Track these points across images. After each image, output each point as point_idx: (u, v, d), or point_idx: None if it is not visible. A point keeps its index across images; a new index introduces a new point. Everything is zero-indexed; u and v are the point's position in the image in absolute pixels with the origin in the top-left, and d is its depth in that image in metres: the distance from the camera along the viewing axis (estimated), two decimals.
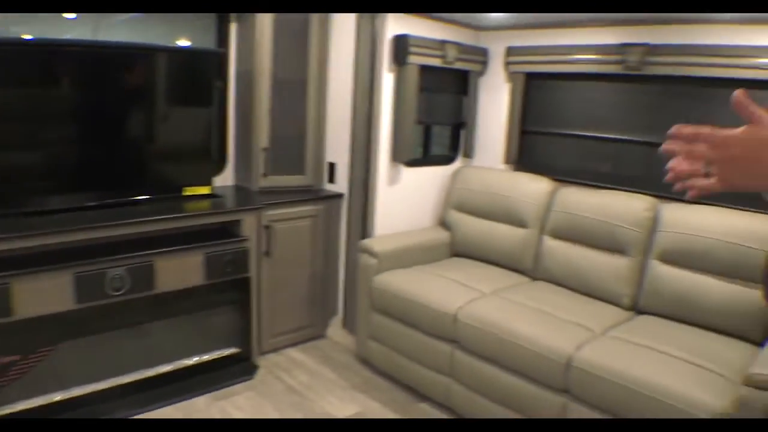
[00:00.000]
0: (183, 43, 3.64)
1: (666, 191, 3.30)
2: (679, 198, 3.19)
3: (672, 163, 0.95)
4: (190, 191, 3.35)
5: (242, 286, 3.33)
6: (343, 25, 3.63)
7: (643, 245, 3.05)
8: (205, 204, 3.32)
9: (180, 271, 3.02)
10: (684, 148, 0.94)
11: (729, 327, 2.71)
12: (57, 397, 2.79)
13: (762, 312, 2.60)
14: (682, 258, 2.89)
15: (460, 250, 3.82)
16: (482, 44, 4.03)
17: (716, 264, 2.76)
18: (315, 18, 3.59)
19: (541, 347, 2.63)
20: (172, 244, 3.00)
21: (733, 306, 2.70)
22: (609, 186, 3.44)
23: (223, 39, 3.65)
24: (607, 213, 3.17)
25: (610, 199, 3.23)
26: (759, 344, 2.57)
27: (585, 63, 3.52)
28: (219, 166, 3.72)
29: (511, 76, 3.93)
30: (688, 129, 0.93)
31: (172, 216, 3.01)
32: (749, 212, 2.83)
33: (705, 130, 0.93)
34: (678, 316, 2.88)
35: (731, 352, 2.54)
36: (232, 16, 3.62)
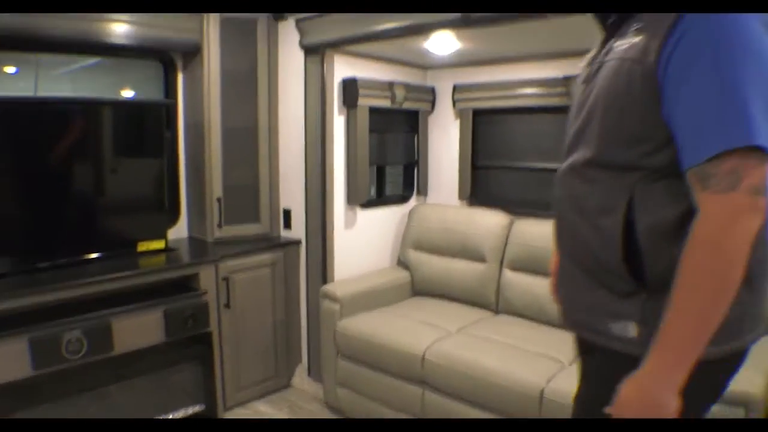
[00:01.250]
0: (128, 93, 3.59)
1: None
2: None
3: None
4: (144, 246, 3.28)
5: (203, 341, 3.25)
6: (291, 71, 3.63)
7: None
8: (160, 259, 3.24)
9: (139, 329, 2.93)
10: None
11: None
12: None
13: None
14: None
15: (421, 289, 3.82)
16: (429, 83, 4.10)
17: None
18: (263, 66, 3.59)
19: (512, 382, 2.63)
20: (129, 302, 2.90)
21: None
22: None
23: (170, 89, 3.62)
24: None
25: None
26: None
27: (530, 97, 3.60)
28: (172, 218, 3.66)
29: (460, 113, 3.99)
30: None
31: (127, 274, 2.92)
32: None
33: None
34: None
35: None
36: (179, 65, 3.59)
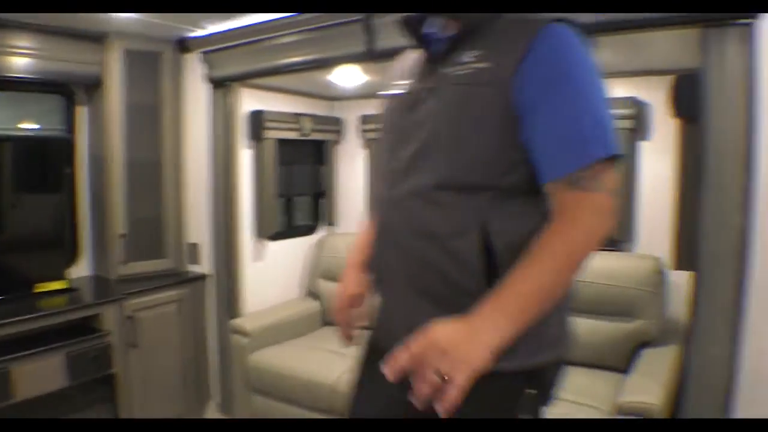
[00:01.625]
0: (30, 126, 3.47)
1: None
2: None
3: (416, 395, 1.12)
4: (43, 287, 3.15)
5: (109, 383, 3.14)
6: (197, 104, 3.60)
7: None
8: (60, 300, 3.12)
9: (40, 375, 2.81)
10: (412, 370, 1.13)
11: (597, 360, 2.91)
12: None
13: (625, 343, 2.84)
14: None
15: (331, 319, 3.81)
16: (336, 114, 4.15)
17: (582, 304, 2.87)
18: (167, 98, 3.54)
19: None
20: (28, 347, 2.77)
21: (598, 339, 2.91)
22: None
23: (70, 122, 3.51)
24: None
25: None
26: (623, 371, 2.75)
27: None
28: (73, 256, 3.53)
29: (368, 143, 4.05)
30: (401, 358, 1.15)
31: (25, 317, 2.80)
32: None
33: (412, 349, 1.14)
34: None
35: (602, 383, 2.72)
36: (80, 99, 3.50)
